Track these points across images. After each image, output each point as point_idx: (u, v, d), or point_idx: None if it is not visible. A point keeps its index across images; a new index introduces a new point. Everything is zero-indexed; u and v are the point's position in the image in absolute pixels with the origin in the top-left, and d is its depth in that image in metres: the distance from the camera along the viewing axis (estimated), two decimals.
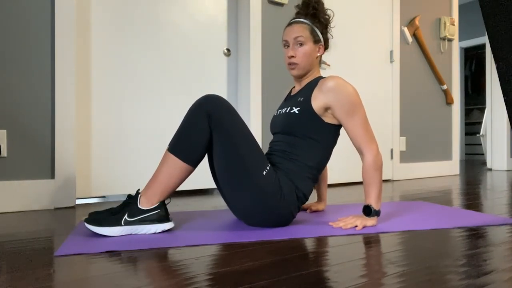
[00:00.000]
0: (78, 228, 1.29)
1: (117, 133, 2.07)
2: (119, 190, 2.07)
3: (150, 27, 2.18)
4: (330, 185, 2.79)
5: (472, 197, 2.10)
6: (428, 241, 1.15)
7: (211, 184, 2.38)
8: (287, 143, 1.37)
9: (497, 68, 1.16)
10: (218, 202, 1.96)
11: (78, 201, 2.01)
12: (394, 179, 3.18)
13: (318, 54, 1.44)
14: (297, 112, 1.35)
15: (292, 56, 1.39)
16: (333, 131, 1.38)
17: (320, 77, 1.44)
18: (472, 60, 6.83)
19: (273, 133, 1.48)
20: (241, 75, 2.47)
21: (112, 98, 2.06)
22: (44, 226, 1.37)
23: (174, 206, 1.84)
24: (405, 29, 3.29)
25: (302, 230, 1.26)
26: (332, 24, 1.48)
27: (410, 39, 3.32)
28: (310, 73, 1.45)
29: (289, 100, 1.46)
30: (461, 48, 6.69)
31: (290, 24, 1.42)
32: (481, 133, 5.26)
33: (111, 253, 1.01)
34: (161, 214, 1.22)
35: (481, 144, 6.44)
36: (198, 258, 0.97)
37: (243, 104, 2.44)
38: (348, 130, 1.34)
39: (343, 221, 1.32)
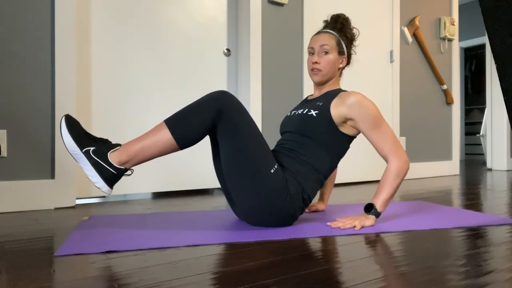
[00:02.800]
0: (78, 228, 1.29)
1: (117, 133, 2.07)
2: (119, 190, 2.07)
3: (150, 27, 2.18)
4: None
5: (472, 197, 2.10)
6: (428, 241, 1.15)
7: (211, 184, 2.38)
8: (297, 143, 1.37)
9: (497, 68, 1.16)
10: (218, 202, 1.96)
11: (78, 201, 2.01)
12: None
13: (341, 66, 1.48)
14: (314, 114, 1.37)
15: (316, 62, 1.43)
16: (345, 141, 1.41)
17: (340, 90, 1.47)
18: (472, 60, 6.83)
19: (283, 132, 1.49)
20: (241, 75, 2.47)
21: (112, 98, 2.06)
22: (44, 226, 1.37)
23: (174, 206, 1.84)
24: (405, 29, 3.29)
25: (302, 230, 1.26)
26: (356, 43, 1.55)
27: (410, 39, 3.32)
28: (330, 82, 1.49)
29: (306, 103, 1.48)
30: (461, 48, 6.69)
31: (318, 33, 1.48)
32: (481, 133, 5.26)
33: (111, 253, 1.01)
34: (114, 177, 1.18)
35: (481, 144, 6.44)
36: (198, 258, 0.97)
37: (243, 104, 2.44)
38: (373, 142, 1.36)
39: (342, 222, 1.32)
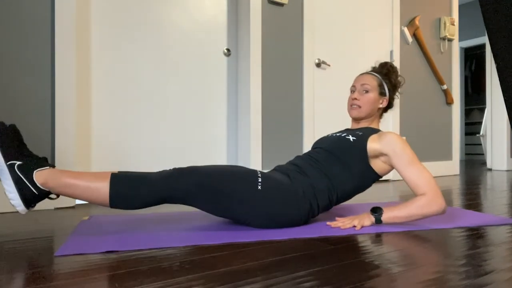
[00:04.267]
0: (78, 228, 1.29)
1: (117, 133, 2.07)
2: None
3: (150, 27, 2.18)
4: None
5: (472, 197, 2.10)
6: (428, 241, 1.15)
7: None
8: (324, 158, 1.39)
9: (497, 68, 1.16)
10: None
11: (78, 201, 2.01)
12: (394, 179, 3.18)
13: (380, 106, 1.51)
14: (351, 140, 1.39)
15: (356, 99, 1.48)
16: (369, 177, 1.41)
17: (379, 130, 1.49)
18: (472, 60, 6.83)
19: (315, 148, 1.51)
20: (241, 75, 2.47)
21: (112, 97, 2.06)
22: (44, 226, 1.37)
23: (174, 206, 1.84)
24: (405, 29, 3.29)
25: (301, 230, 1.26)
26: (400, 90, 1.60)
27: (410, 39, 3.32)
28: (369, 120, 1.52)
29: (347, 130, 1.51)
30: (461, 48, 6.69)
31: (361, 74, 1.54)
32: (481, 133, 5.26)
33: (111, 253, 1.01)
34: (33, 197, 1.11)
35: (481, 144, 6.44)
36: (198, 258, 0.97)
37: (243, 104, 2.44)
38: (408, 179, 1.32)
39: (341, 222, 1.32)
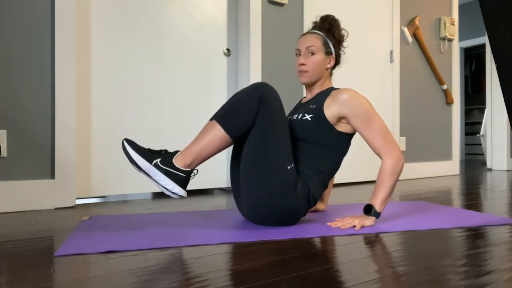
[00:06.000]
0: (78, 228, 1.29)
1: (117, 133, 2.07)
2: (119, 190, 2.07)
3: (150, 27, 2.18)
4: None
5: (472, 197, 2.10)
6: (428, 241, 1.15)
7: (211, 184, 2.38)
8: (299, 148, 1.38)
9: (497, 68, 1.16)
10: (218, 202, 1.96)
11: (78, 201, 2.01)
12: None
13: (329, 66, 1.48)
14: (309, 119, 1.38)
15: (303, 64, 1.44)
16: (344, 140, 1.40)
17: (332, 88, 1.47)
18: (472, 60, 6.82)
19: None
20: (241, 75, 2.47)
21: (112, 97, 2.06)
22: (44, 226, 1.37)
23: (174, 206, 1.84)
24: (405, 29, 3.29)
25: (302, 230, 1.27)
26: (345, 44, 1.56)
27: (410, 39, 3.32)
28: (320, 83, 1.48)
29: (300, 107, 1.48)
30: (461, 48, 6.68)
31: (304, 34, 1.48)
32: (481, 133, 5.26)
33: (111, 253, 1.01)
34: (185, 179, 1.24)
35: (481, 144, 6.43)
36: (198, 258, 0.97)
37: None
38: (366, 139, 1.37)
39: (341, 221, 1.32)
